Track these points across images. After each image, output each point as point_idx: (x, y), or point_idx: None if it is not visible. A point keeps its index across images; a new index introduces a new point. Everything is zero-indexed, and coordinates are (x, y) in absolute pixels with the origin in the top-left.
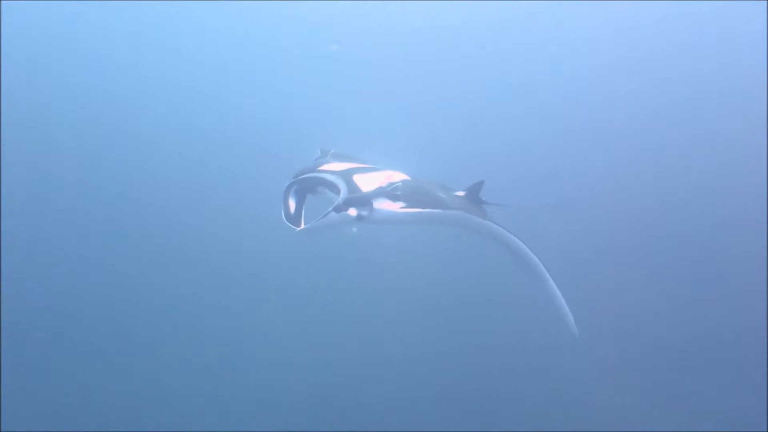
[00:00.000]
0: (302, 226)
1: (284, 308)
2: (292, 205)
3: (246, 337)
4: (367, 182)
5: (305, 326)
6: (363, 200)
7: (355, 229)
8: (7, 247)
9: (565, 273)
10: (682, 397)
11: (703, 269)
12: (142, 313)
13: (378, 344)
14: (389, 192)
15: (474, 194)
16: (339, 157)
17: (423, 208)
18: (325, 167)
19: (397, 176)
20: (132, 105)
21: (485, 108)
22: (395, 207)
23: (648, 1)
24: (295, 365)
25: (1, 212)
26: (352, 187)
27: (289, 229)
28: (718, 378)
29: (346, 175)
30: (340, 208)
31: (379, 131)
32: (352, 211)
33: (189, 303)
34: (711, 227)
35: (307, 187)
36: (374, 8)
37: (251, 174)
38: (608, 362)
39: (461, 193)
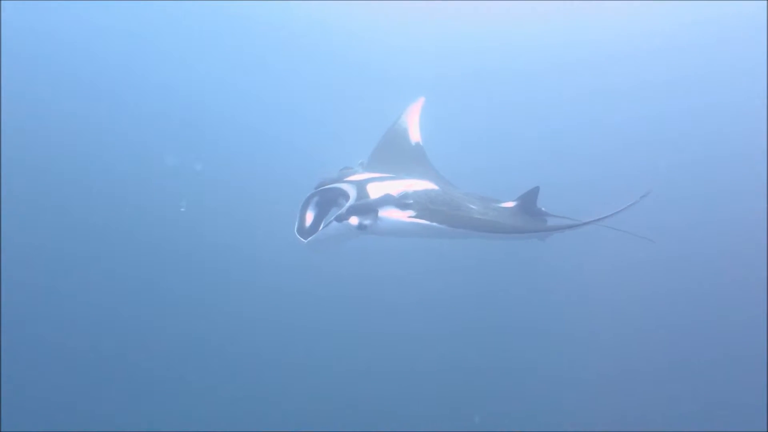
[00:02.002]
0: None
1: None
2: (309, 216)
3: (252, 341)
4: (381, 191)
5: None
6: (367, 208)
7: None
8: (8, 248)
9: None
10: (682, 397)
11: (703, 267)
12: (142, 313)
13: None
14: (398, 200)
15: (527, 204)
16: (370, 167)
17: (432, 220)
18: (350, 177)
19: (420, 185)
20: (134, 105)
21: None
22: (403, 216)
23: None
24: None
25: (1, 214)
26: (362, 195)
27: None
28: (718, 378)
29: (361, 184)
30: (342, 217)
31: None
32: (353, 220)
33: (193, 307)
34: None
35: (329, 198)
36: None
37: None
38: (609, 362)
39: (509, 204)
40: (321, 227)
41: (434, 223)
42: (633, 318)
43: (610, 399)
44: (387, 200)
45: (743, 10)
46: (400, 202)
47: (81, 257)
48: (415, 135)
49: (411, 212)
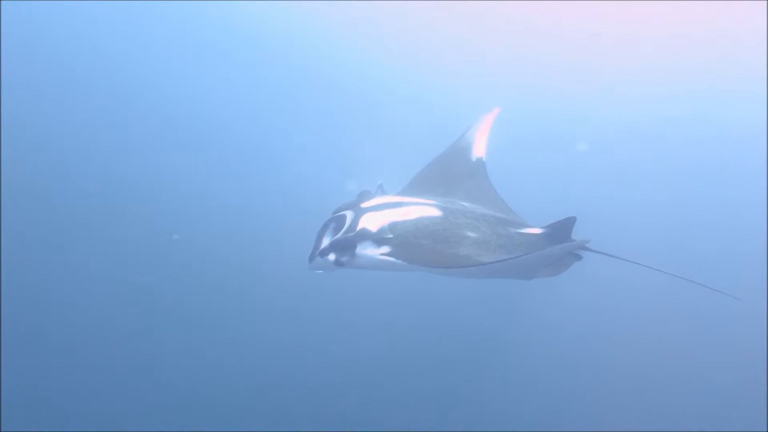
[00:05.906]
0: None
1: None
2: (324, 242)
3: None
4: (366, 224)
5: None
6: (345, 244)
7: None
8: (8, 248)
9: None
10: (681, 397)
11: (704, 266)
12: (144, 313)
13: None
14: (374, 235)
15: (559, 233)
16: (413, 183)
17: (399, 257)
18: (364, 203)
19: (418, 212)
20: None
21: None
22: (376, 253)
23: None
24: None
25: (1, 215)
26: (351, 228)
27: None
28: (718, 378)
29: (358, 214)
30: (324, 253)
31: None
32: (331, 257)
33: (190, 314)
34: None
35: (341, 224)
36: None
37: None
38: (605, 362)
39: (536, 230)
40: (312, 259)
41: (400, 261)
42: (630, 319)
43: (609, 399)
44: (364, 235)
45: None
46: (377, 237)
47: (82, 260)
48: (479, 150)
49: (386, 248)
